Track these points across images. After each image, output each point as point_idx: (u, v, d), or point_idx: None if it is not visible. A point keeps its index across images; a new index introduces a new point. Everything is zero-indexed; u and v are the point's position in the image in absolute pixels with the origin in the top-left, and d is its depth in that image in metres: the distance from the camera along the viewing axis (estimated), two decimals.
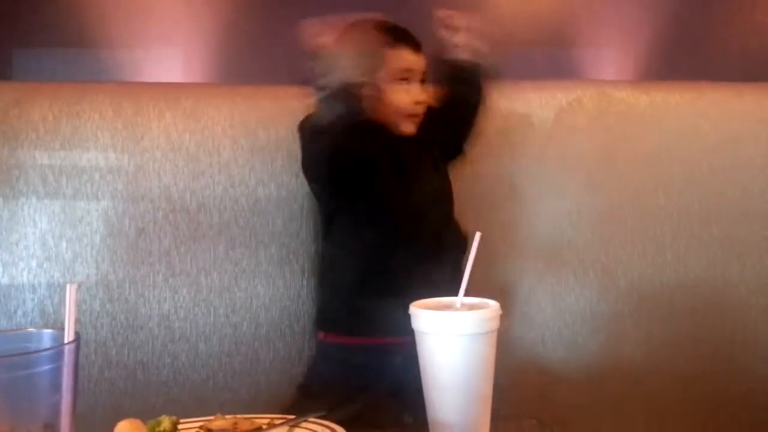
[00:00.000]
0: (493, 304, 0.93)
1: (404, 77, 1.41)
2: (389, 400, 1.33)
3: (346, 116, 1.27)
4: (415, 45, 1.44)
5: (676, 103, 1.72)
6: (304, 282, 1.54)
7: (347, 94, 1.27)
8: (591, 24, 1.92)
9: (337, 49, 1.32)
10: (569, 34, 1.93)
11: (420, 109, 1.44)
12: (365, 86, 1.29)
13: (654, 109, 1.71)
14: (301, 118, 1.41)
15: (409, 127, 1.44)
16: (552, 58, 1.92)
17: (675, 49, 1.94)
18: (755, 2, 1.99)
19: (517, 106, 1.66)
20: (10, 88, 1.59)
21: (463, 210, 1.58)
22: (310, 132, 1.38)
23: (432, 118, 1.49)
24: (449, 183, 1.50)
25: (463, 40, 1.48)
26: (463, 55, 1.48)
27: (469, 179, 1.57)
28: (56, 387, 0.62)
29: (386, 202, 1.39)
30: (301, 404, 1.35)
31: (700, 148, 1.70)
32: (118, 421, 0.85)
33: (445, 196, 1.48)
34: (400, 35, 1.43)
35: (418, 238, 1.39)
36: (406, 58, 1.42)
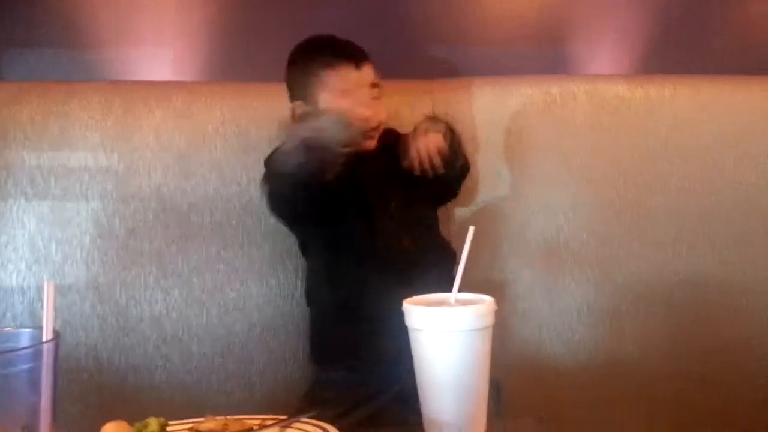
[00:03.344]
0: (488, 300, 0.91)
1: (345, 97, 1.36)
2: (395, 405, 1.26)
3: (304, 167, 1.23)
4: (357, 60, 1.38)
5: (671, 96, 1.71)
6: (298, 282, 1.52)
7: (305, 152, 1.22)
8: (584, 17, 1.91)
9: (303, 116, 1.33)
10: (562, 28, 1.91)
11: (372, 124, 1.38)
12: (327, 147, 1.22)
13: (649, 103, 1.69)
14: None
15: (368, 144, 1.40)
16: (545, 53, 1.90)
17: (669, 42, 1.92)
18: None
19: (511, 102, 1.65)
20: None
21: (458, 206, 1.57)
22: (269, 176, 1.34)
23: (421, 183, 1.40)
24: (427, 203, 1.47)
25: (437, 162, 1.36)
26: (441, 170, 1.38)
27: None
28: (34, 388, 0.60)
29: (349, 229, 1.36)
30: (306, 412, 1.32)
31: (696, 142, 1.69)
32: None
33: (420, 217, 1.44)
34: (339, 52, 1.38)
35: (391, 261, 1.34)
36: (348, 77, 1.36)
